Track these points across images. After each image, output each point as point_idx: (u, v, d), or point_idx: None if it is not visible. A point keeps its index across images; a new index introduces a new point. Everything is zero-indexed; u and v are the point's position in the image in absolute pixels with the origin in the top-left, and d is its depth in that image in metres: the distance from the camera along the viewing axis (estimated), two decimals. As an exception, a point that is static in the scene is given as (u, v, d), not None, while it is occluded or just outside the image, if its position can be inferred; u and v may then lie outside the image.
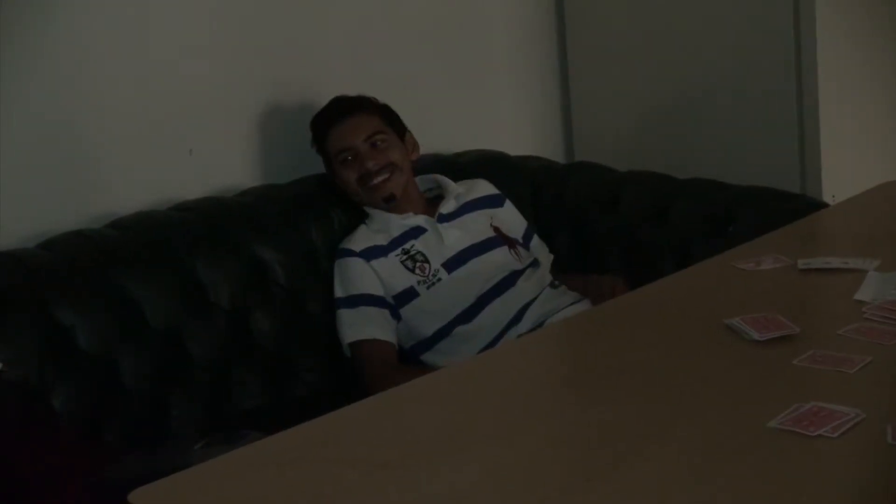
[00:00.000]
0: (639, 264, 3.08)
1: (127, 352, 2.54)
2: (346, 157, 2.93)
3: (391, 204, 2.93)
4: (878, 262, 2.13)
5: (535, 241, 3.13)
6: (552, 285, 2.95)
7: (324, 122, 2.97)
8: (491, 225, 3.01)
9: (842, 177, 3.27)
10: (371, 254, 2.88)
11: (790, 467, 1.46)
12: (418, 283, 2.86)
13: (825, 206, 2.91)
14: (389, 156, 2.93)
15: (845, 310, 1.95)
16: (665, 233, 3.09)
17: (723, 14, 3.38)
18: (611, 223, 3.19)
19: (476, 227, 2.99)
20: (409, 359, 2.88)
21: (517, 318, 2.84)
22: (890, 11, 3.51)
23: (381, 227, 2.92)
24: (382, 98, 3.03)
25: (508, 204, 3.12)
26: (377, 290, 2.85)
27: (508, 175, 3.29)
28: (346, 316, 2.83)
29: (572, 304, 2.87)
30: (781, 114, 3.28)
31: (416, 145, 3.04)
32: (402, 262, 2.88)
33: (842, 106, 3.31)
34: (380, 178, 2.91)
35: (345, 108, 2.96)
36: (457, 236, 2.93)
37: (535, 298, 2.88)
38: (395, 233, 2.91)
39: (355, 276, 2.86)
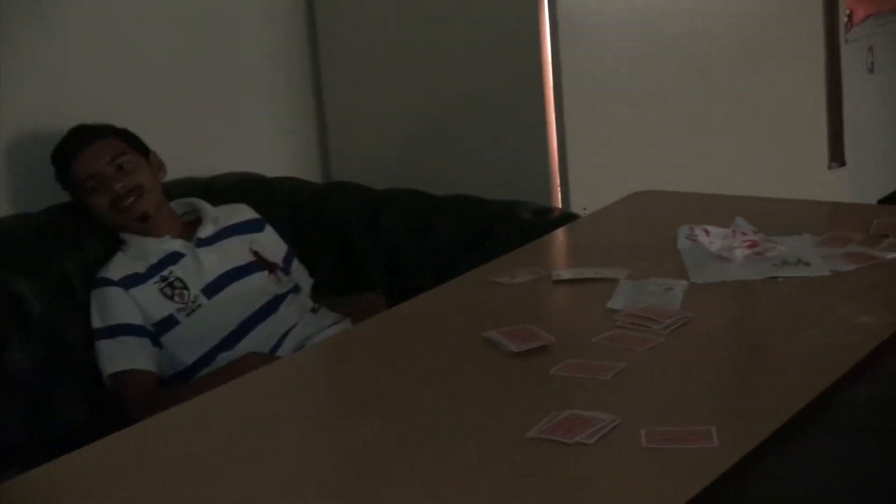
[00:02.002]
0: (401, 281, 3.11)
1: None
2: (92, 184, 2.86)
3: (146, 224, 2.87)
4: (629, 271, 2.19)
5: (296, 264, 3.12)
6: (312, 310, 2.95)
7: (65, 154, 2.89)
8: (250, 249, 2.99)
9: (592, 189, 3.34)
10: (129, 282, 2.82)
11: (550, 475, 1.49)
12: (178, 310, 2.82)
13: (577, 217, 2.99)
14: (136, 177, 2.88)
15: (599, 318, 2.01)
16: (425, 249, 3.12)
17: (472, 33, 3.42)
18: (372, 241, 3.21)
19: (235, 251, 2.96)
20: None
21: (279, 343, 2.83)
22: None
23: (138, 253, 2.86)
24: (133, 123, 2.97)
25: (269, 228, 3.10)
26: (136, 319, 2.79)
27: (266, 197, 3.26)
28: (105, 346, 2.77)
29: (332, 325, 2.87)
30: (532, 130, 3.32)
31: (161, 165, 2.99)
32: (161, 289, 2.83)
33: (586, 121, 3.37)
34: (130, 199, 2.85)
35: (84, 136, 2.90)
36: (214, 261, 2.90)
37: (296, 324, 2.87)
38: (153, 259, 2.86)
39: (113, 305, 2.79)
